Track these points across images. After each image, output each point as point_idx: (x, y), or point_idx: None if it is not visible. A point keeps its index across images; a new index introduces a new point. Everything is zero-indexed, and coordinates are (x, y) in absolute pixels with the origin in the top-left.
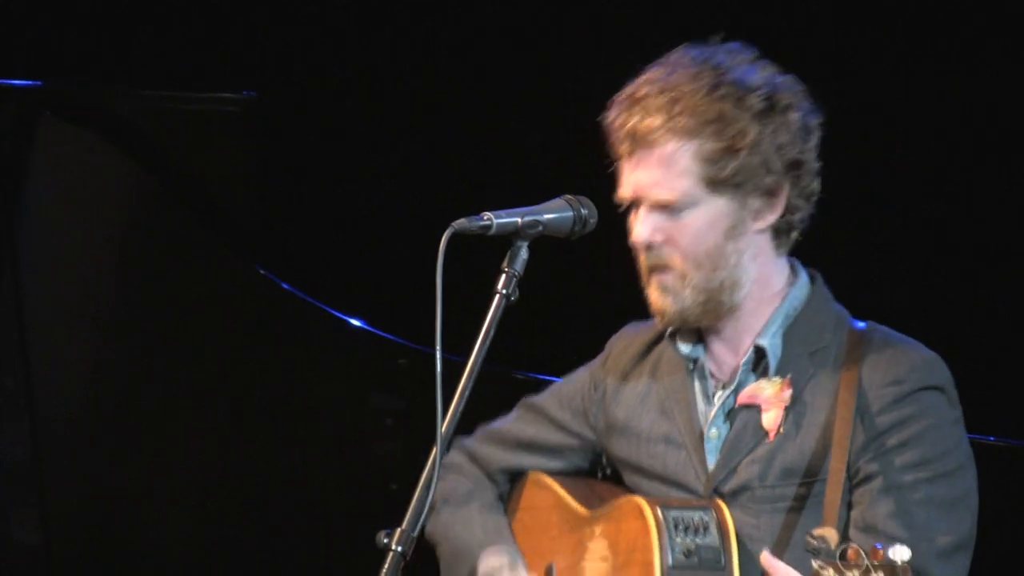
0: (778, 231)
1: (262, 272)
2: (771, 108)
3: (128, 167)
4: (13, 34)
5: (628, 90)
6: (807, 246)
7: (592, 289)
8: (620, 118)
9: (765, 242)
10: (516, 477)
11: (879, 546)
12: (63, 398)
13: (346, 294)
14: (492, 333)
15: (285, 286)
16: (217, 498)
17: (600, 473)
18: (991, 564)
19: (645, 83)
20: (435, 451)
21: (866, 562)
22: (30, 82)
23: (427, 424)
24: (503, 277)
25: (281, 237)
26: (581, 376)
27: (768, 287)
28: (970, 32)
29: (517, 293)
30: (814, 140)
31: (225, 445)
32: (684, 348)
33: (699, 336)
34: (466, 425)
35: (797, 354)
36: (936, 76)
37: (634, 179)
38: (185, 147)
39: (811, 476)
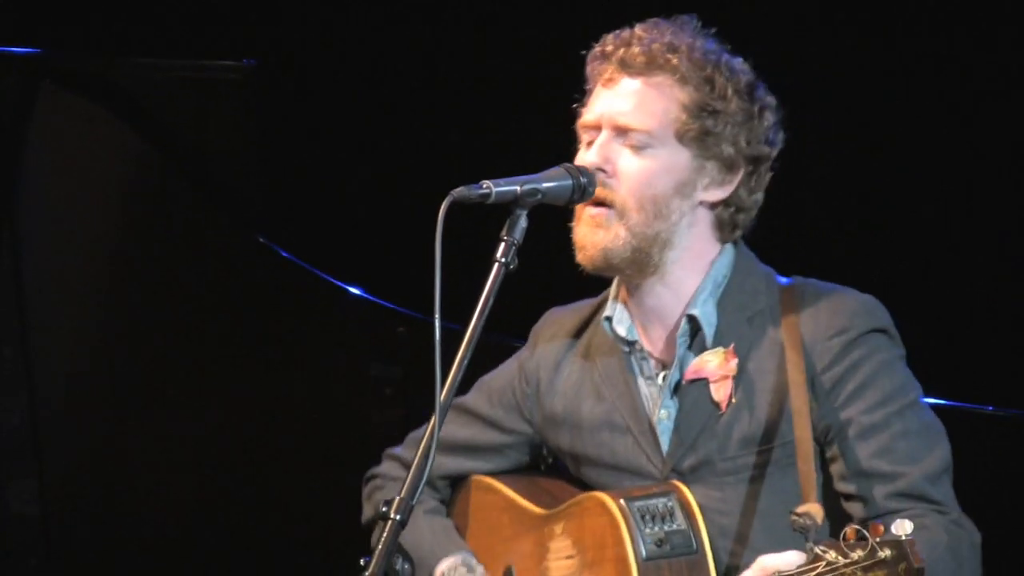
0: (720, 221)
1: (262, 240)
2: (753, 97)
3: (128, 135)
4: (12, 2)
5: (626, 29)
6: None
7: None
8: (612, 47)
9: (706, 221)
10: (456, 482)
11: (878, 522)
12: (61, 369)
13: (345, 262)
14: (491, 301)
15: (285, 254)
16: (216, 468)
17: (542, 465)
18: (988, 530)
19: (648, 26)
20: (434, 419)
21: (870, 540)
22: (29, 50)
23: (426, 392)
24: (502, 245)
25: (281, 206)
26: (509, 370)
27: (698, 259)
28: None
29: (516, 261)
30: (775, 152)
31: (224, 414)
32: (620, 330)
33: (630, 318)
34: (465, 393)
35: (735, 321)
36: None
37: (607, 103)
38: (185, 116)
39: (769, 442)
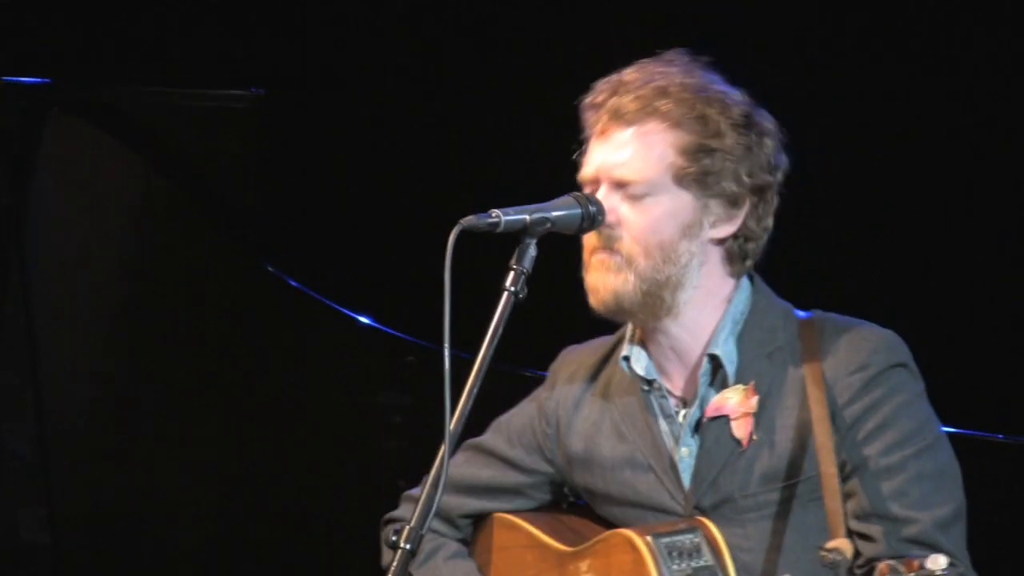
0: (731, 254)
1: (270, 269)
2: (749, 127)
3: (136, 164)
4: (22, 31)
5: (615, 75)
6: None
7: None
8: (602, 96)
9: (716, 257)
10: (479, 520)
11: (913, 558)
12: (70, 396)
13: (354, 291)
14: (500, 330)
15: (293, 283)
16: (225, 496)
17: (564, 503)
18: (991, 556)
19: (635, 70)
20: (443, 448)
21: (906, 575)
22: (39, 79)
23: (435, 421)
24: (511, 274)
25: (289, 234)
26: (528, 410)
27: (713, 297)
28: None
29: (525, 290)
30: (779, 176)
31: (233, 443)
32: (639, 368)
33: (648, 356)
34: (474, 422)
35: (754, 358)
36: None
37: (601, 156)
38: (193, 144)
39: (791, 478)
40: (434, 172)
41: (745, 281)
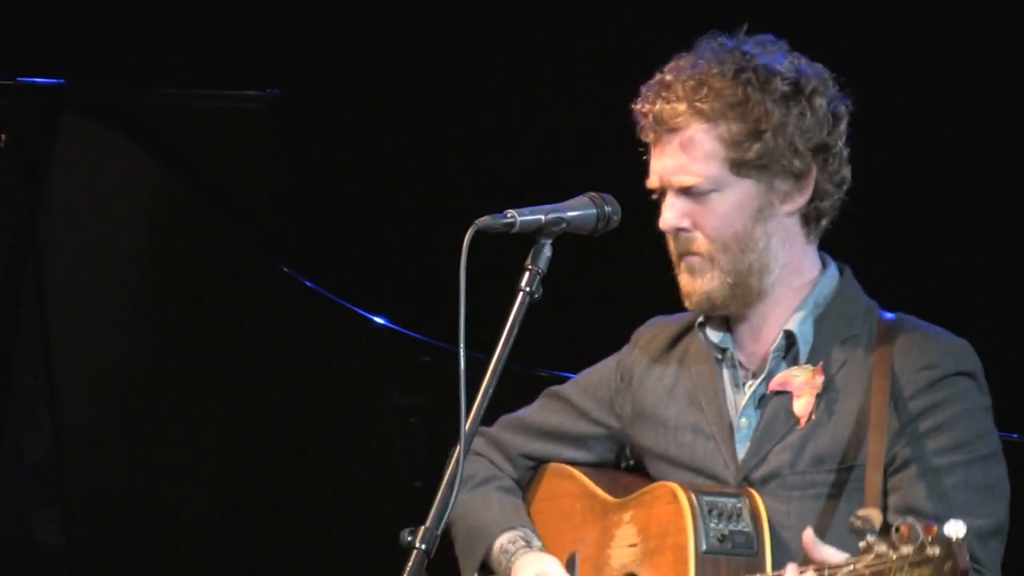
0: (807, 218)
1: (285, 270)
2: (797, 92)
3: (151, 165)
4: (36, 33)
5: (656, 77)
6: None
7: (615, 286)
8: (647, 104)
9: (794, 228)
10: (537, 466)
11: (932, 523)
12: (86, 398)
13: (369, 292)
14: (516, 331)
15: (308, 284)
16: (240, 497)
17: (624, 464)
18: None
19: (672, 70)
20: (458, 449)
21: (921, 538)
22: (53, 80)
23: (451, 422)
24: (526, 275)
25: (304, 235)
26: (608, 366)
27: (798, 275)
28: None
29: (540, 290)
30: (842, 126)
31: (249, 444)
32: (714, 337)
33: (727, 326)
34: (489, 423)
35: (828, 341)
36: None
37: (660, 166)
38: (208, 145)
39: (845, 463)
40: (449, 173)
41: (834, 269)
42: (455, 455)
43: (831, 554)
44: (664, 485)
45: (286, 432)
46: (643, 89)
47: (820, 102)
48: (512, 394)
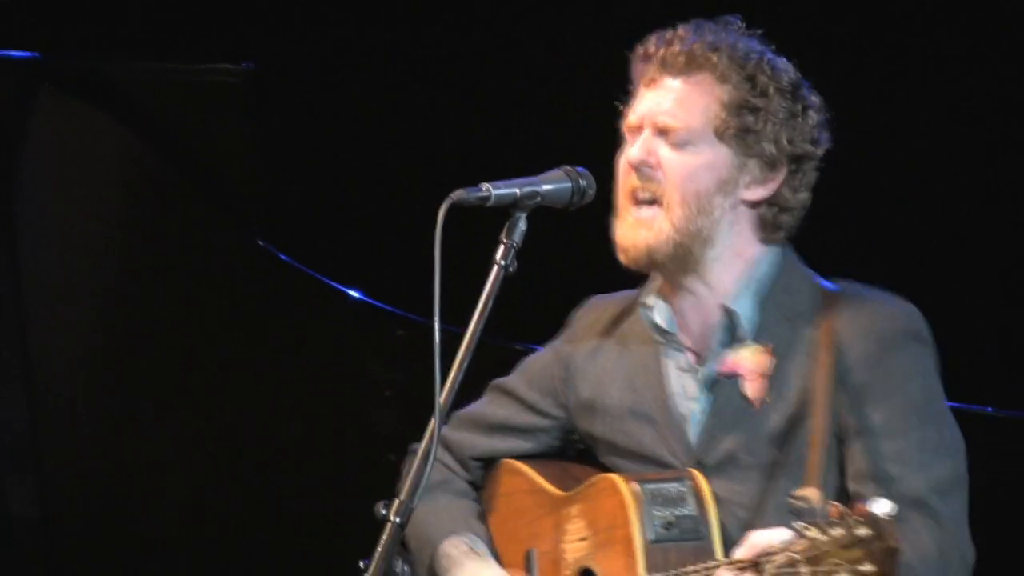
0: (764, 220)
1: (260, 243)
2: (797, 95)
3: (126, 139)
4: (10, 6)
5: (669, 31)
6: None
7: (589, 260)
8: (654, 48)
9: (747, 219)
10: (490, 464)
11: (861, 502)
12: (60, 369)
13: (344, 265)
14: (490, 304)
15: (283, 257)
16: (215, 469)
17: (572, 451)
18: (990, 534)
19: (692, 27)
20: (433, 422)
21: (849, 519)
22: (28, 54)
23: (425, 395)
24: (501, 248)
25: (280, 208)
26: (547, 354)
27: (740, 259)
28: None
29: (515, 264)
30: (820, 151)
31: (223, 415)
32: (660, 319)
33: (669, 309)
34: (464, 396)
35: (775, 320)
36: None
37: (648, 103)
38: (183, 119)
39: (795, 439)
40: (425, 146)
41: (775, 247)
42: (430, 429)
43: (768, 538)
44: (606, 477)
45: (260, 405)
46: (652, 36)
47: (813, 117)
48: (487, 367)
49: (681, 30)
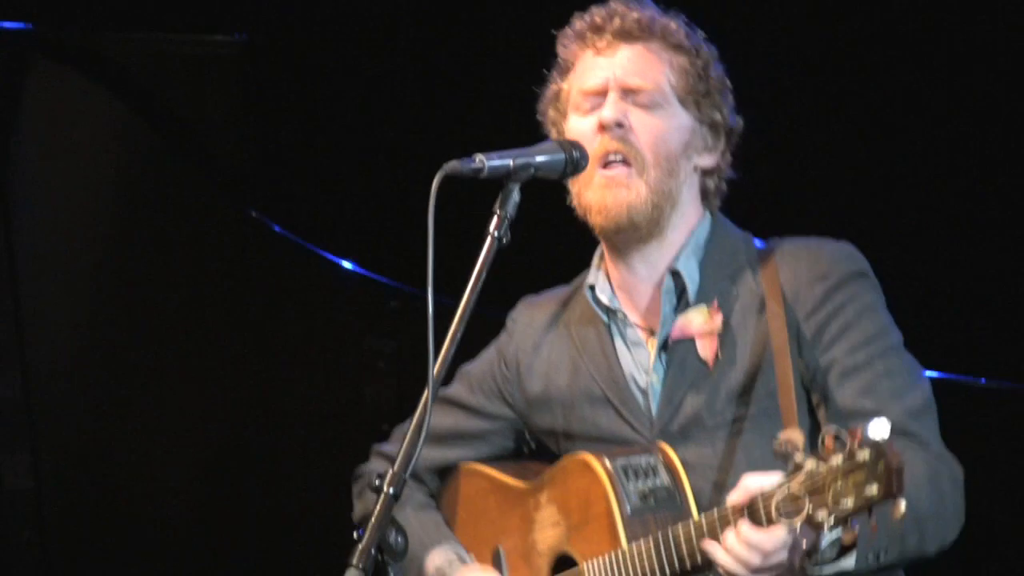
0: (706, 188)
1: (254, 215)
2: (722, 75)
3: (120, 110)
4: None
5: (602, 7)
6: None
7: (583, 230)
8: (600, 18)
9: (696, 185)
10: (445, 472)
11: (856, 427)
12: (55, 344)
13: (338, 237)
14: (484, 275)
15: (277, 228)
16: (209, 441)
17: (526, 448)
18: (984, 504)
19: (620, 3)
20: (427, 392)
21: (848, 445)
22: (21, 25)
23: (419, 365)
24: (495, 219)
25: (273, 180)
26: (489, 356)
27: (685, 222)
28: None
29: (509, 235)
30: (738, 130)
31: (217, 387)
32: (603, 297)
33: (611, 287)
34: (457, 367)
35: (716, 278)
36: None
37: (611, 67)
38: (177, 90)
39: (756, 392)
40: (418, 117)
41: (707, 214)
42: (424, 399)
43: (761, 481)
44: (573, 458)
45: (254, 376)
46: (584, 14)
47: (731, 99)
48: (480, 338)
49: (616, 5)
